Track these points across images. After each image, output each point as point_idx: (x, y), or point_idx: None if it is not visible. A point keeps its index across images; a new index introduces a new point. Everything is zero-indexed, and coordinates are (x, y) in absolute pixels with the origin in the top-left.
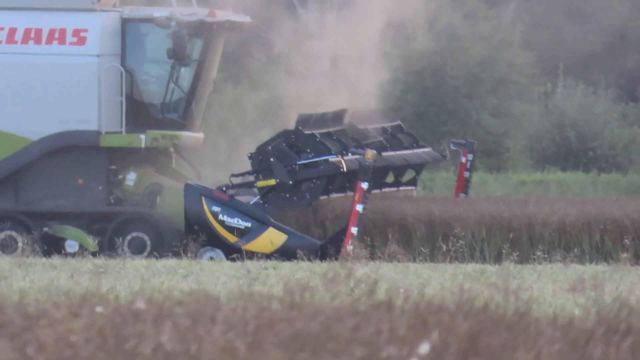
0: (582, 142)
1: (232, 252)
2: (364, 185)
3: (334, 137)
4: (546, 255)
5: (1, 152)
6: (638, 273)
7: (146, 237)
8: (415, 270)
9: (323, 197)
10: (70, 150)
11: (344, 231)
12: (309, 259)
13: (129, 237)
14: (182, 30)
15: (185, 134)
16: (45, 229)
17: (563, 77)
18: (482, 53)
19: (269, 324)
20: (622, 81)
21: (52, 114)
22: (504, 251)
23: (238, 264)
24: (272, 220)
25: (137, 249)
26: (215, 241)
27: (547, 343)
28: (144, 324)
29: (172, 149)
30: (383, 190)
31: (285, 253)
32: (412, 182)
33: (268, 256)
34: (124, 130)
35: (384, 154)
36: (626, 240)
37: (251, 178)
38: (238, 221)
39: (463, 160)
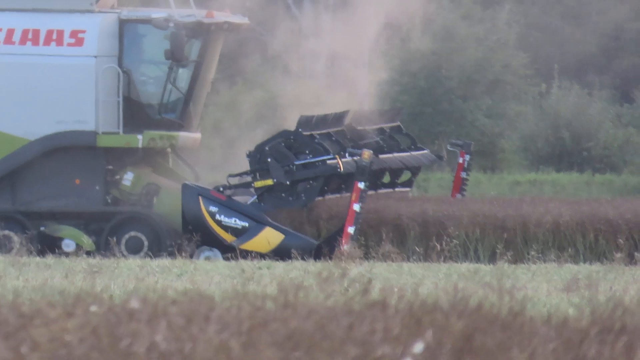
0: (577, 143)
1: (229, 251)
2: (361, 185)
3: (333, 138)
4: (540, 255)
5: None
6: (632, 273)
7: (143, 237)
8: (409, 269)
9: (318, 198)
10: (67, 151)
11: (340, 231)
12: (303, 259)
13: (126, 237)
14: (180, 32)
15: (182, 134)
16: (42, 228)
17: (558, 78)
18: (477, 54)
19: (263, 324)
20: (617, 82)
21: (50, 114)
22: (498, 251)
23: (232, 263)
24: (269, 220)
25: (134, 248)
26: (212, 241)
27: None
28: (138, 323)
29: (169, 150)
30: (378, 191)
31: (282, 252)
32: (408, 183)
33: (262, 256)
34: (121, 130)
35: (381, 156)
36: (620, 240)
37: (249, 178)
38: (235, 221)
39: (460, 160)
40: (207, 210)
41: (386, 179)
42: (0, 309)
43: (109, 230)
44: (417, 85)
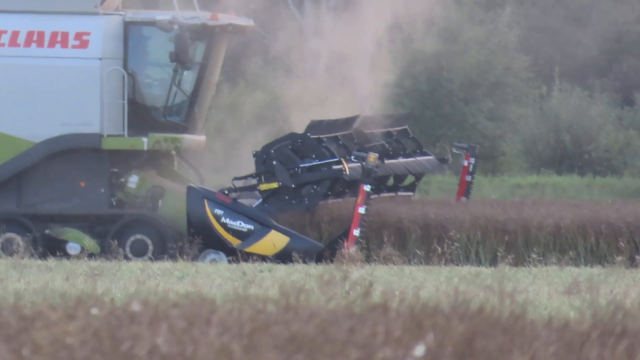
0: (578, 146)
1: (234, 254)
2: (367, 188)
3: (340, 142)
4: (541, 258)
5: (4, 154)
6: (633, 276)
7: (148, 240)
8: (411, 272)
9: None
10: (72, 153)
11: (346, 233)
12: (305, 261)
13: (130, 240)
14: (185, 34)
15: (187, 136)
16: (47, 231)
17: (559, 81)
18: (479, 57)
19: (264, 326)
20: (618, 85)
21: (55, 116)
22: (499, 254)
23: (233, 266)
24: (275, 223)
25: (139, 251)
26: (217, 244)
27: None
28: (139, 326)
29: (174, 152)
30: (381, 195)
31: (287, 255)
32: (411, 187)
33: (263, 258)
34: (126, 133)
35: (386, 161)
36: (621, 243)
37: (254, 181)
38: (240, 224)
39: (465, 164)
40: (212, 213)
41: (390, 182)
42: (1, 311)
43: (114, 233)
44: (419, 87)
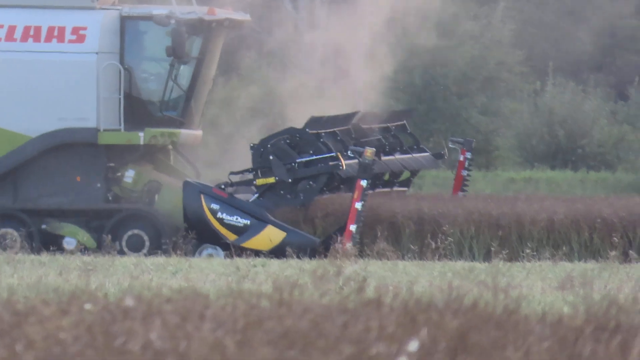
0: (571, 140)
1: (230, 249)
2: (363, 183)
3: (339, 137)
4: (535, 253)
5: (0, 149)
6: (626, 271)
7: (144, 235)
8: (404, 267)
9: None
10: (68, 148)
11: (342, 229)
12: (298, 257)
13: (127, 235)
14: (181, 28)
15: (184, 131)
16: (44, 226)
17: (552, 76)
18: (472, 51)
19: (258, 322)
20: (612, 79)
21: (51, 111)
22: (492, 249)
23: (227, 261)
24: (271, 218)
25: (136, 246)
26: (213, 239)
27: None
28: (132, 321)
29: (170, 147)
30: (376, 190)
31: (281, 250)
32: (406, 183)
33: (257, 253)
34: (122, 127)
35: (383, 158)
36: (615, 238)
37: (250, 176)
38: (237, 219)
39: (461, 158)
40: (208, 208)
41: (386, 176)
42: None
43: (110, 227)
44: (413, 82)
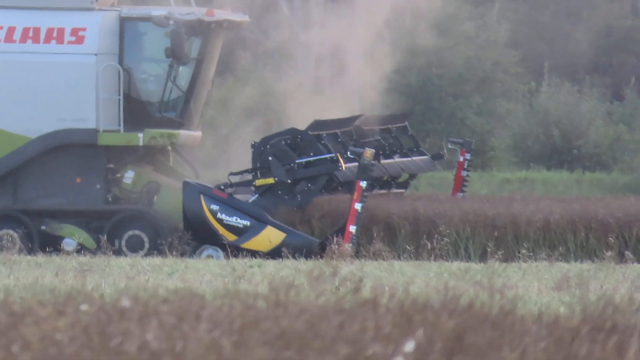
0: (567, 141)
1: (230, 250)
2: (363, 184)
3: (340, 139)
4: (531, 254)
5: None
6: (622, 271)
7: (144, 235)
8: (400, 268)
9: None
10: (68, 149)
11: (342, 229)
12: (294, 257)
13: (126, 236)
14: (180, 29)
15: (183, 132)
16: (43, 227)
17: (548, 76)
18: (468, 52)
19: (254, 322)
20: (607, 80)
21: (51, 112)
22: (488, 249)
23: (223, 262)
24: (271, 219)
25: (135, 247)
26: (213, 239)
27: (532, 341)
28: (129, 322)
29: (170, 148)
30: (373, 192)
31: (279, 251)
32: (404, 185)
33: (253, 254)
34: (122, 128)
35: (382, 161)
36: (611, 239)
37: (250, 176)
38: (237, 219)
39: (461, 159)
40: (208, 209)
41: (384, 177)
42: None
43: (110, 228)
44: (408, 83)
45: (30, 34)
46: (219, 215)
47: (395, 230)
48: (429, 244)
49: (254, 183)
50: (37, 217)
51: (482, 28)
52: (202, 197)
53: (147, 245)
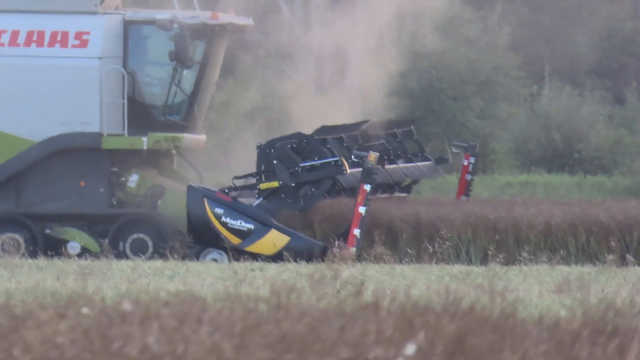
0: (568, 144)
1: (235, 254)
2: (367, 188)
3: (345, 144)
4: (532, 257)
5: (3, 153)
6: (623, 274)
7: (148, 239)
8: (402, 271)
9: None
10: (72, 152)
11: (346, 233)
12: (296, 260)
13: (130, 239)
14: (184, 33)
15: (187, 136)
16: (47, 231)
17: (549, 79)
18: (469, 55)
19: (255, 325)
20: (608, 83)
21: (54, 116)
22: (489, 252)
23: (224, 265)
24: (275, 222)
25: (139, 250)
26: (217, 243)
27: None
28: (130, 325)
29: (174, 151)
30: (376, 195)
31: (281, 254)
32: (407, 189)
33: (255, 257)
34: (126, 132)
35: (386, 166)
36: (612, 242)
37: (254, 180)
38: (241, 223)
39: (465, 163)
40: (212, 212)
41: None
42: None
43: (114, 232)
44: (409, 86)
45: (35, 38)
46: (223, 218)
47: (397, 234)
48: (430, 247)
49: (258, 186)
50: (41, 220)
51: (483, 31)
52: (206, 200)
53: (151, 249)
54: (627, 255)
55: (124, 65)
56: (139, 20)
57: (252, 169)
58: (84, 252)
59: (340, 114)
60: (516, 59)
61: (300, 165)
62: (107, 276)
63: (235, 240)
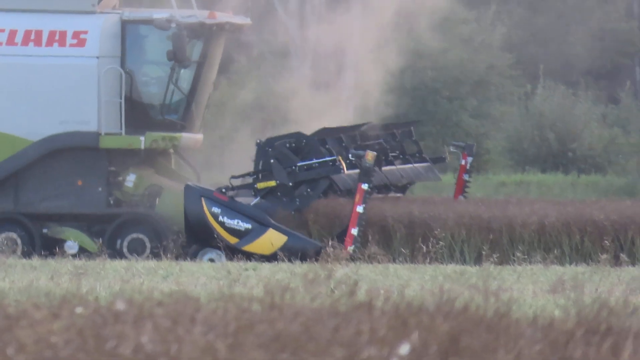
0: (562, 144)
1: (232, 253)
2: (364, 187)
3: (344, 144)
4: (526, 256)
5: (1, 153)
6: (617, 274)
7: (146, 239)
8: (395, 271)
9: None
10: (69, 152)
11: (344, 232)
12: (290, 260)
13: (128, 239)
14: (182, 32)
15: (185, 135)
16: (45, 230)
17: (543, 79)
18: (462, 55)
19: (249, 325)
20: (602, 82)
21: (52, 115)
22: (483, 252)
23: (218, 264)
24: (272, 222)
25: (137, 250)
26: (215, 242)
27: (527, 344)
28: (124, 325)
29: (171, 151)
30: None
31: (276, 253)
32: (402, 189)
33: (248, 257)
34: (123, 131)
35: (384, 168)
36: (606, 242)
37: (251, 179)
38: (238, 222)
39: (462, 162)
40: (209, 212)
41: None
42: None
43: (112, 231)
44: (402, 85)
45: (32, 37)
46: (220, 218)
47: (391, 233)
48: (424, 247)
49: (254, 186)
50: (38, 220)
51: (476, 31)
52: (203, 200)
53: (148, 248)
54: (621, 255)
55: (122, 65)
56: (137, 19)
57: (248, 168)
58: (82, 251)
59: (335, 113)
60: (509, 59)
61: (298, 164)
62: (100, 276)
63: (232, 239)
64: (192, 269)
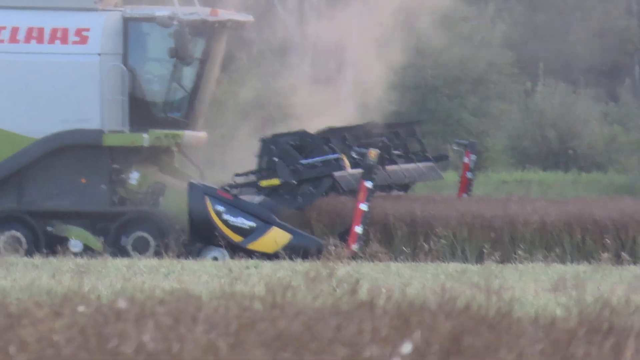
0: (562, 142)
1: (236, 251)
2: (368, 184)
3: (347, 142)
4: (527, 255)
5: (4, 151)
6: (619, 273)
7: (150, 237)
8: (397, 269)
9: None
10: (73, 149)
11: (348, 230)
12: (291, 258)
13: (132, 237)
14: (184, 30)
15: (188, 132)
16: (49, 228)
17: (543, 77)
18: (462, 53)
19: (250, 324)
20: (602, 80)
21: (55, 113)
22: (485, 251)
23: (220, 263)
24: (277, 220)
25: (141, 248)
26: (218, 241)
27: (529, 343)
28: (125, 323)
29: (175, 148)
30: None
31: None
32: (405, 187)
33: (250, 255)
34: (126, 129)
35: (387, 167)
36: (607, 240)
37: (254, 177)
38: (242, 220)
39: (466, 160)
40: (213, 210)
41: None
42: None
43: (115, 229)
44: (402, 83)
45: (34, 34)
46: (224, 216)
47: (392, 232)
48: (425, 245)
49: (258, 184)
50: (42, 218)
51: (476, 29)
52: (207, 198)
53: (152, 246)
54: (623, 254)
55: (124, 62)
56: (139, 17)
57: (249, 166)
58: (86, 250)
59: (335, 110)
60: (510, 57)
61: (302, 162)
62: (102, 274)
63: (236, 237)
64: (193, 267)
